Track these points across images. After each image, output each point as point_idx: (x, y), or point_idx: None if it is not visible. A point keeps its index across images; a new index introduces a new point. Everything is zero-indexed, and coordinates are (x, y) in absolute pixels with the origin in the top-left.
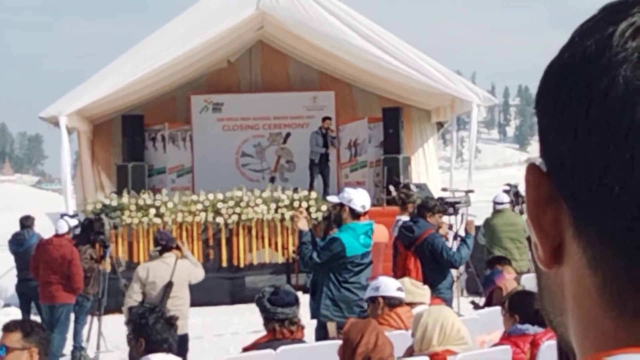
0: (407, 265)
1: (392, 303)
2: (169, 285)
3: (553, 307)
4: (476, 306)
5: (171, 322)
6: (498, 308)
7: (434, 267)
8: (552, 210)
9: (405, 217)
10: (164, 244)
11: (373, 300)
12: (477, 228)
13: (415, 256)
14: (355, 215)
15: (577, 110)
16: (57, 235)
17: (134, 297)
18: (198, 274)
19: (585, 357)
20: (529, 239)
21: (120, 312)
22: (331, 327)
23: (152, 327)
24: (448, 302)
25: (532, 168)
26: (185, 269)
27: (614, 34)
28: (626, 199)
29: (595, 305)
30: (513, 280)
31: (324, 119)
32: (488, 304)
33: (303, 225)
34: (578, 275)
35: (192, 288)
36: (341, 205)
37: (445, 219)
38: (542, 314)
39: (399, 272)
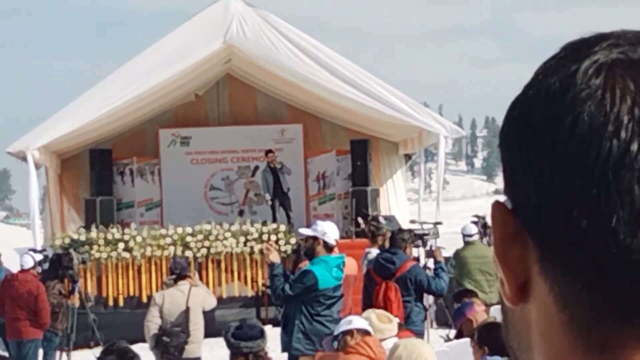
0: (388, 297)
1: (364, 334)
2: (187, 310)
3: (519, 343)
4: (447, 339)
5: (125, 357)
6: (468, 340)
7: (412, 298)
8: (518, 247)
9: (375, 250)
10: (178, 273)
11: (346, 333)
12: (447, 259)
13: (396, 287)
14: (329, 248)
15: (543, 146)
16: (22, 271)
17: (153, 321)
18: (211, 300)
19: None
20: None
21: (89, 347)
22: None
23: None
24: (420, 334)
25: (497, 205)
26: (199, 295)
27: (578, 71)
28: (593, 234)
29: (563, 341)
30: (483, 312)
31: (267, 152)
32: (459, 336)
33: (274, 257)
34: (545, 312)
35: None
36: (314, 238)
37: (413, 251)
38: (509, 350)
39: (378, 304)
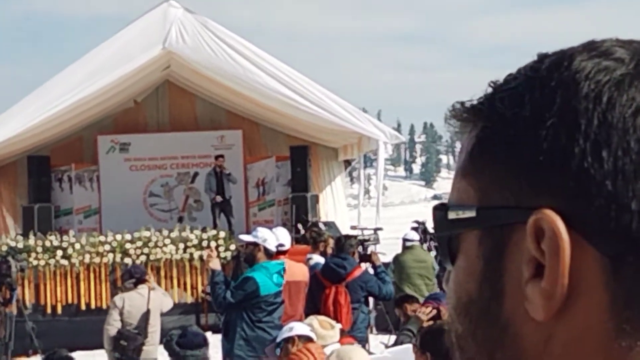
0: (339, 301)
1: (305, 341)
2: (148, 313)
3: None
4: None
5: None
6: (410, 346)
7: (359, 305)
8: (570, 256)
9: (316, 256)
10: (138, 277)
11: (287, 340)
12: (387, 265)
13: (346, 292)
14: (269, 254)
15: (628, 152)
16: None
17: (114, 324)
18: (168, 302)
19: None
20: (437, 276)
21: (27, 355)
22: None
23: None
24: (364, 340)
25: (555, 215)
26: (157, 299)
27: None
28: None
29: (596, 351)
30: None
31: (217, 157)
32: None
33: (215, 265)
34: (585, 322)
35: (103, 330)
36: (255, 244)
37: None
38: None
39: (327, 307)
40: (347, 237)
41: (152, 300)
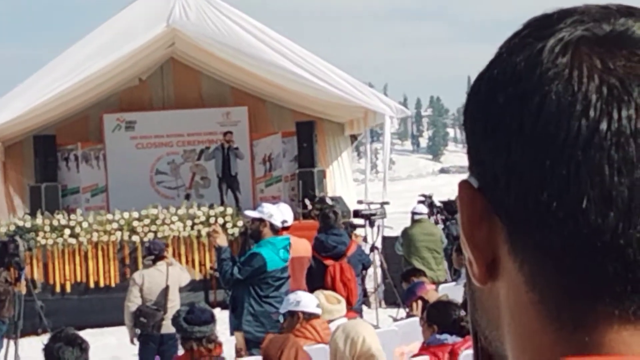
0: (347, 276)
1: (309, 317)
2: (167, 289)
3: (488, 322)
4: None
5: (74, 343)
6: (416, 319)
7: (358, 278)
8: (485, 226)
9: None
10: (157, 254)
11: (292, 314)
12: (395, 238)
13: (350, 268)
14: (275, 230)
15: (510, 127)
16: None
17: (135, 301)
18: (186, 277)
19: None
20: (445, 249)
21: (37, 334)
22: (238, 336)
23: (51, 352)
24: (360, 312)
25: (464, 184)
26: (175, 274)
27: (544, 50)
28: (563, 216)
29: (533, 320)
30: (434, 290)
31: (225, 133)
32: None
33: (222, 241)
34: (514, 291)
35: (112, 308)
36: (261, 220)
37: (360, 231)
38: (476, 329)
39: (336, 286)
40: (335, 212)
41: (171, 276)
